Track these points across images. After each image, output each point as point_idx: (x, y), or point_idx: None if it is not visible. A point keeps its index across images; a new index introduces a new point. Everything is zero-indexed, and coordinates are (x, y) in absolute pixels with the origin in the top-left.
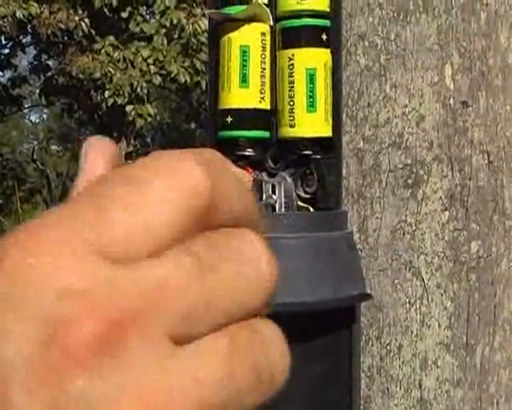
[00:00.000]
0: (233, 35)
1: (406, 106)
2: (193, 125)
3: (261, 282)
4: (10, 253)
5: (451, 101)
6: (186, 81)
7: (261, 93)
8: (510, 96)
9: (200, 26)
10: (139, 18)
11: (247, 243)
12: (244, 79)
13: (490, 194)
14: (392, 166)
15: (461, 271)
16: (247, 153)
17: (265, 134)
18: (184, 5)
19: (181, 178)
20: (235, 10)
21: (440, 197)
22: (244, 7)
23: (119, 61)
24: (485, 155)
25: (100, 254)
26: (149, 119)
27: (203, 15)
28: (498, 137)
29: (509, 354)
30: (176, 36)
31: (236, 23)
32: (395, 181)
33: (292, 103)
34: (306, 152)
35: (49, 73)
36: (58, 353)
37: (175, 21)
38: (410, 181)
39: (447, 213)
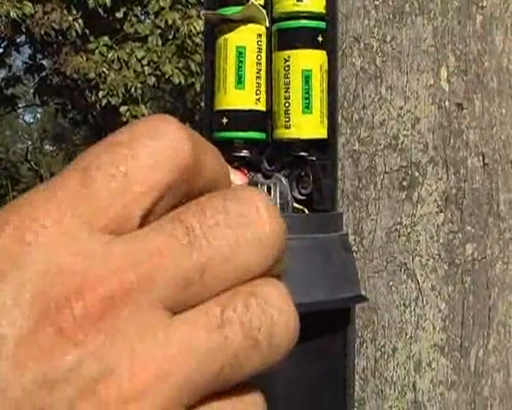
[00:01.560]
0: (229, 36)
1: (402, 108)
2: (187, 126)
3: (263, 244)
4: (5, 231)
5: (447, 103)
6: (180, 82)
7: (257, 94)
8: (505, 99)
9: (194, 28)
10: (134, 18)
11: (247, 205)
12: (240, 80)
13: (485, 196)
14: (388, 168)
15: (456, 273)
16: (242, 154)
17: (261, 135)
18: (179, 6)
19: (164, 138)
20: (231, 11)
21: (435, 199)
22: (240, 8)
23: (113, 61)
24: (481, 158)
25: (91, 227)
26: None
27: (198, 16)
28: (493, 140)
29: (503, 356)
30: (170, 37)
31: (232, 24)
32: (390, 183)
33: (287, 105)
34: (302, 154)
35: (44, 73)
36: (49, 329)
37: (170, 22)
38: (405, 183)
39: (442, 215)
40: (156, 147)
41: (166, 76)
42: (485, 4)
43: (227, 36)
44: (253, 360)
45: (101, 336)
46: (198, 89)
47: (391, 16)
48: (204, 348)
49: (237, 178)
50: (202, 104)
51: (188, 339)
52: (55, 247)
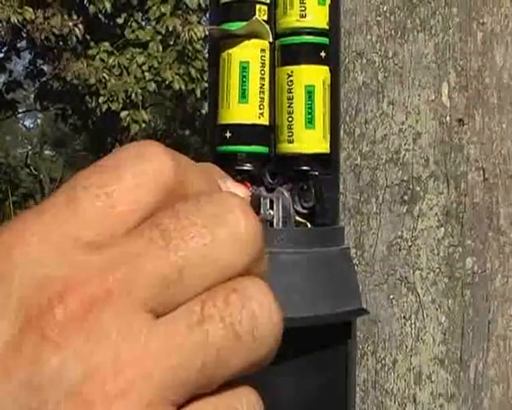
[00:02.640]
0: (233, 51)
1: (403, 123)
2: (187, 132)
3: (240, 242)
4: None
5: (448, 118)
6: (181, 88)
7: (260, 109)
8: (506, 115)
9: (195, 34)
10: (134, 24)
11: (222, 206)
12: (243, 95)
13: (485, 211)
14: (389, 182)
15: (456, 286)
16: (245, 168)
17: (264, 149)
18: (180, 12)
19: (147, 161)
20: (235, 26)
21: (436, 214)
22: (244, 23)
23: (114, 67)
24: (481, 172)
25: (76, 242)
26: (144, 125)
27: (199, 23)
28: (494, 155)
29: (502, 369)
30: (171, 43)
31: (236, 39)
32: (391, 197)
33: (290, 119)
34: (304, 168)
35: (44, 78)
36: (33, 334)
37: (170, 28)
38: (406, 197)
39: (443, 229)
40: (140, 169)
41: (167, 82)
42: (485, 21)
43: (231, 51)
44: (238, 354)
45: (82, 338)
46: (198, 95)
47: (393, 32)
48: (186, 345)
49: (240, 191)
50: (203, 111)
51: (169, 336)
52: (40, 259)
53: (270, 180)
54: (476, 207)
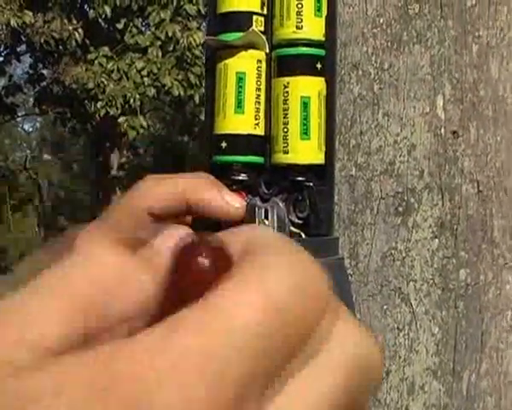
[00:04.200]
0: (229, 61)
1: (398, 135)
2: (186, 138)
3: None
4: None
5: (443, 130)
6: (180, 94)
7: (256, 119)
8: (500, 127)
9: (194, 40)
10: (134, 30)
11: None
12: (239, 105)
13: (479, 223)
14: (384, 193)
15: (449, 298)
16: (240, 177)
17: (259, 160)
18: (180, 18)
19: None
20: (232, 37)
21: (430, 225)
22: (241, 34)
23: (112, 71)
24: (475, 185)
25: None
26: (141, 130)
27: (198, 29)
28: (488, 167)
29: (495, 380)
30: (171, 49)
31: (233, 50)
32: (386, 208)
33: (286, 130)
34: (299, 178)
35: (44, 83)
36: None
37: (170, 34)
38: (400, 209)
39: (437, 240)
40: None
41: (166, 88)
42: (481, 34)
43: (227, 61)
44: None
45: None
46: (197, 101)
47: (389, 44)
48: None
49: (235, 200)
50: (201, 117)
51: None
52: None
53: (266, 190)
54: (470, 219)
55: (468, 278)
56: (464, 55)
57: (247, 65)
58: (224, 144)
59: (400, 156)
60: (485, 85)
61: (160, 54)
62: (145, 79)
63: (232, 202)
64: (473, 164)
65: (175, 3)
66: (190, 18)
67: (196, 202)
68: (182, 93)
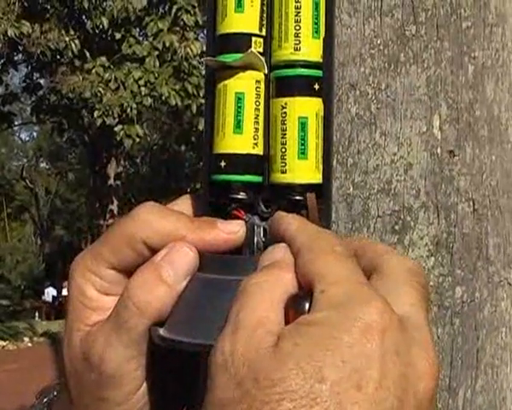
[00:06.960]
0: (228, 82)
1: (395, 154)
2: (183, 148)
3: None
4: None
5: (439, 150)
6: (177, 104)
7: (254, 139)
8: (495, 147)
9: (192, 50)
10: (132, 40)
11: None
12: (238, 125)
13: (474, 241)
14: (381, 212)
15: (445, 315)
16: (239, 196)
17: (258, 179)
18: (177, 29)
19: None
20: (231, 58)
21: (426, 243)
22: (240, 55)
23: (110, 81)
24: (471, 203)
25: None
26: (138, 139)
27: (195, 39)
28: (483, 186)
29: (490, 397)
30: (168, 59)
31: (232, 70)
32: (383, 227)
33: (284, 150)
34: (297, 198)
35: (41, 92)
36: None
37: (167, 44)
38: (397, 227)
39: (433, 258)
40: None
41: (163, 97)
42: (476, 55)
43: (226, 82)
44: None
45: None
46: (194, 111)
47: (386, 65)
48: None
49: (234, 226)
50: (199, 126)
51: None
52: None
53: (264, 209)
54: (466, 237)
55: (463, 295)
56: (460, 75)
57: (245, 85)
58: (222, 163)
59: (397, 175)
60: (480, 106)
61: (157, 64)
62: (142, 88)
63: (232, 230)
64: (468, 183)
65: (173, 14)
66: (188, 28)
67: (197, 242)
68: (179, 103)
